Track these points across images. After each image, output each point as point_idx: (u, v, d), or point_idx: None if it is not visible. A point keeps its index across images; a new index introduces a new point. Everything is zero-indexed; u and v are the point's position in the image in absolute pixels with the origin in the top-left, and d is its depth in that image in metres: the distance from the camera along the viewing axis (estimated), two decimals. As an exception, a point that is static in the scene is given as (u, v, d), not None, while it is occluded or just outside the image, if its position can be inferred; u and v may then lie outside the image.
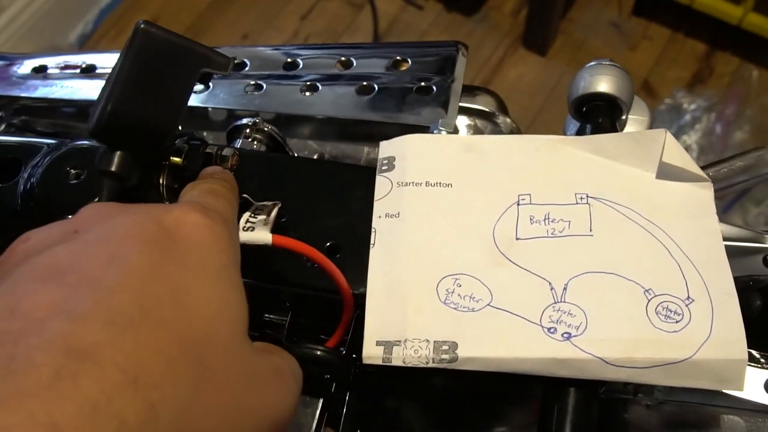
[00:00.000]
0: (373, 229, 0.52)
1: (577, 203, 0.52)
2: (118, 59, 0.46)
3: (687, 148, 1.79)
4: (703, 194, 0.52)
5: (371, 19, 2.08)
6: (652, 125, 0.64)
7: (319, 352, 0.50)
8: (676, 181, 0.53)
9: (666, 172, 0.53)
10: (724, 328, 0.46)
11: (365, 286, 0.50)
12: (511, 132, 0.66)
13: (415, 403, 0.64)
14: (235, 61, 0.69)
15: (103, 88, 0.46)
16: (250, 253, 0.51)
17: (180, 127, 0.60)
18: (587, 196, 0.52)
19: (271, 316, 0.56)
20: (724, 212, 1.74)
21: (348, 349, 0.53)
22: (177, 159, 0.50)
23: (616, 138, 0.54)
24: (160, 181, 0.51)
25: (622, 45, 2.05)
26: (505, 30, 2.09)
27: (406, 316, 0.48)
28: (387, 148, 0.56)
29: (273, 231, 0.49)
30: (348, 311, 0.51)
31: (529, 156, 0.54)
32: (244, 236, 0.47)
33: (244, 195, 0.51)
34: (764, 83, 1.91)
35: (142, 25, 0.45)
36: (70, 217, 0.37)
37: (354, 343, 0.54)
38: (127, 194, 0.50)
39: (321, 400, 0.54)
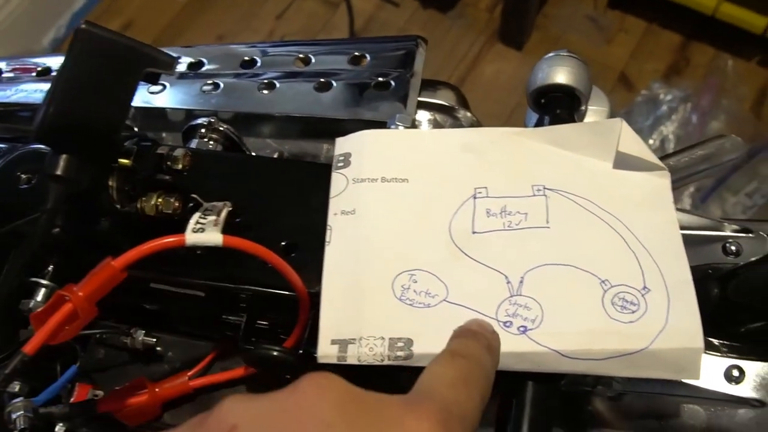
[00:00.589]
0: (328, 227, 0.51)
1: (534, 195, 0.51)
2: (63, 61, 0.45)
3: (664, 139, 1.80)
4: (661, 183, 0.52)
5: (347, 17, 2.08)
6: (612, 115, 0.63)
7: (275, 353, 0.50)
8: (633, 170, 0.52)
9: (623, 162, 0.52)
10: (680, 318, 0.45)
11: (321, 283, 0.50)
12: (472, 126, 0.65)
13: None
14: (192, 60, 0.68)
15: (48, 91, 0.46)
16: (203, 254, 0.51)
17: (135, 129, 0.60)
18: (544, 188, 0.52)
19: (231, 318, 0.56)
20: (702, 202, 1.74)
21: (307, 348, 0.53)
22: (125, 161, 0.50)
23: (573, 128, 0.54)
24: (110, 184, 0.50)
25: (598, 38, 2.04)
26: (482, 26, 2.09)
27: (361, 313, 0.47)
28: (343, 144, 0.55)
29: (226, 231, 0.48)
30: (304, 310, 0.51)
31: (486, 149, 0.54)
32: (194, 238, 0.46)
33: (193, 195, 0.50)
34: (739, 73, 1.91)
35: (83, 26, 0.44)
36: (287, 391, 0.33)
37: (313, 342, 0.53)
38: (79, 198, 0.50)
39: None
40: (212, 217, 0.47)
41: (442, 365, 0.39)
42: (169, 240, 0.46)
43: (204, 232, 0.46)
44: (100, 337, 0.57)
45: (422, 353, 0.46)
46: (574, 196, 0.51)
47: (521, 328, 0.46)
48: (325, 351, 0.46)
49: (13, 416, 0.50)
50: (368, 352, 0.46)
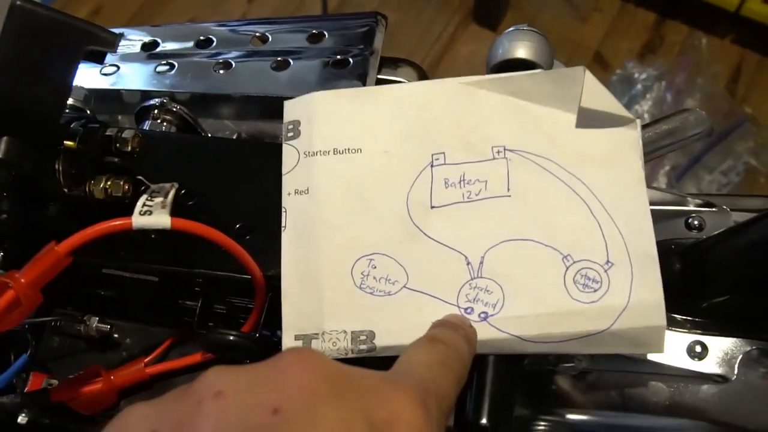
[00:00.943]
0: (283, 209, 0.49)
1: (494, 158, 0.49)
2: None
3: (639, 118, 1.77)
4: (629, 135, 0.49)
5: (320, 0, 2.05)
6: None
7: (231, 337, 0.49)
8: (599, 127, 0.49)
9: (587, 117, 0.49)
10: (642, 294, 0.44)
11: (279, 268, 0.49)
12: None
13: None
14: (146, 40, 0.66)
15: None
16: (157, 238, 0.49)
17: (88, 111, 0.58)
18: (504, 149, 0.49)
19: (188, 302, 0.55)
20: (677, 181, 1.74)
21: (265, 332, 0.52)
22: (71, 143, 0.48)
23: (533, 77, 0.51)
24: (57, 167, 0.49)
25: (573, 18, 2.03)
26: (456, 6, 2.07)
27: (322, 305, 0.46)
28: (291, 109, 0.52)
29: (178, 214, 0.47)
30: (260, 294, 0.49)
31: (443, 106, 0.51)
32: (141, 221, 0.45)
33: (139, 177, 0.49)
34: (714, 51, 1.90)
35: (18, 2, 0.42)
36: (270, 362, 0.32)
37: (272, 325, 0.52)
38: (25, 182, 0.48)
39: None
40: (159, 199, 0.46)
41: (421, 347, 0.39)
42: (116, 223, 0.44)
43: (152, 214, 0.45)
44: (54, 325, 0.55)
45: (385, 346, 0.45)
46: (535, 157, 0.49)
47: (482, 315, 0.45)
48: (290, 346, 0.45)
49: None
50: (332, 347, 0.45)
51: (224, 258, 0.48)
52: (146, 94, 0.63)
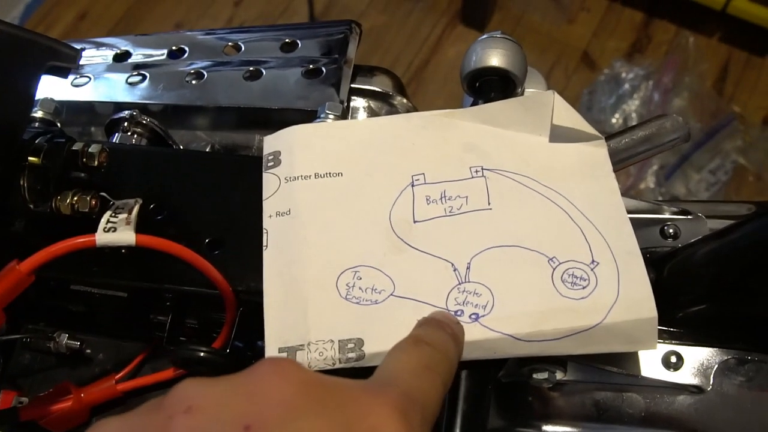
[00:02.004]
0: (264, 230, 0.49)
1: (472, 177, 0.50)
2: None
3: (627, 118, 1.79)
4: (598, 152, 0.51)
5: (307, 2, 2.05)
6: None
7: (201, 353, 0.48)
8: (570, 142, 0.51)
9: (558, 134, 0.51)
10: (631, 288, 0.45)
11: (251, 283, 0.48)
12: (408, 112, 0.64)
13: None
14: (118, 51, 0.66)
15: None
16: (126, 253, 0.49)
17: (58, 124, 0.58)
18: (482, 169, 0.50)
19: (159, 317, 0.54)
20: (666, 179, 1.74)
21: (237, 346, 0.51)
22: (35, 159, 0.47)
23: (504, 105, 0.53)
24: (21, 183, 0.48)
25: (560, 18, 2.03)
26: (443, 8, 2.07)
27: (306, 317, 0.46)
28: (271, 142, 0.53)
29: (146, 229, 0.46)
30: (230, 309, 0.49)
31: (418, 134, 0.52)
32: (105, 238, 0.44)
33: (102, 193, 0.48)
34: (701, 50, 1.90)
35: (-25, 18, 0.41)
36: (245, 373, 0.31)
37: (247, 340, 0.52)
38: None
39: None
40: (124, 215, 0.45)
41: (404, 351, 0.38)
42: (79, 241, 0.44)
43: (116, 231, 0.45)
44: (24, 341, 0.55)
45: (374, 352, 0.44)
46: (512, 174, 0.50)
47: (473, 316, 0.45)
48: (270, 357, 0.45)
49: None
50: (318, 357, 0.44)
51: (194, 273, 0.47)
52: (118, 106, 0.63)
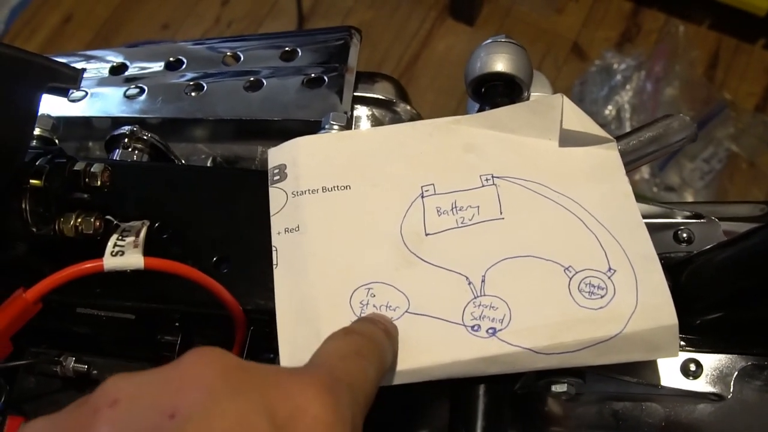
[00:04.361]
0: (273, 248, 0.48)
1: (483, 186, 0.49)
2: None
3: (620, 109, 1.78)
4: (609, 155, 0.50)
5: (294, 0, 2.03)
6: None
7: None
8: (580, 146, 0.50)
9: (568, 138, 0.50)
10: (649, 295, 0.44)
11: (261, 301, 0.47)
12: (412, 119, 0.63)
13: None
14: (114, 64, 0.64)
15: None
16: (130, 274, 0.48)
17: (56, 141, 0.56)
18: (492, 177, 0.50)
19: (166, 337, 0.53)
20: (660, 170, 1.74)
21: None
22: (37, 181, 0.46)
23: (512, 110, 0.52)
24: (23, 207, 0.47)
25: (548, 9, 2.02)
26: (431, 2, 2.05)
27: (320, 336, 0.45)
28: (275, 155, 0.52)
29: (151, 248, 0.45)
30: (240, 328, 0.48)
31: (425, 143, 0.51)
32: (113, 262, 0.43)
33: (108, 216, 0.47)
34: (690, 38, 1.90)
35: (-27, 41, 0.40)
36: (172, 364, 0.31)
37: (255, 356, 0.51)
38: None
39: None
40: (131, 238, 0.44)
41: (334, 339, 0.38)
42: (86, 266, 0.43)
43: (124, 255, 0.44)
44: (29, 365, 0.53)
45: (393, 371, 0.43)
46: (523, 181, 0.49)
47: (490, 330, 0.44)
48: None
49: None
50: None
51: (202, 293, 0.46)
52: (116, 120, 0.62)
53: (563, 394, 0.46)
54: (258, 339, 0.50)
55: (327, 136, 0.52)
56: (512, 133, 0.51)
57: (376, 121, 0.62)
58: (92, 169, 0.48)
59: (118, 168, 0.51)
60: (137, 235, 0.45)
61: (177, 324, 0.51)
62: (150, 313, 0.49)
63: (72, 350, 0.54)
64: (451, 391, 0.46)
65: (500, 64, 0.55)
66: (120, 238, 0.45)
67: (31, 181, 0.46)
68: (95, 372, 0.54)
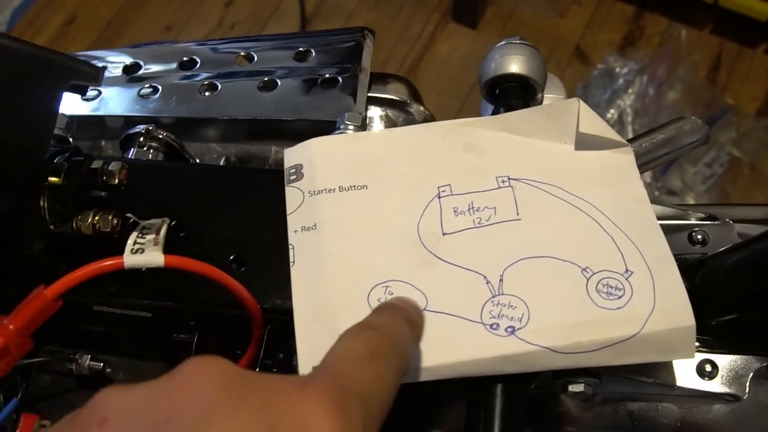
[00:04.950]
0: (290, 246, 0.48)
1: (499, 187, 0.50)
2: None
3: (622, 113, 1.79)
4: (625, 159, 0.51)
5: (298, 2, 2.03)
6: (570, 92, 0.62)
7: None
8: (595, 150, 0.51)
9: (583, 142, 0.51)
10: (666, 297, 0.44)
11: (278, 300, 0.47)
12: (425, 120, 0.63)
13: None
14: (127, 63, 0.64)
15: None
16: (147, 272, 0.48)
17: (70, 139, 0.57)
18: (509, 179, 0.50)
19: (182, 336, 0.53)
20: (662, 174, 1.74)
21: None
22: (55, 179, 0.46)
23: (527, 114, 0.52)
24: (42, 204, 0.47)
25: (551, 12, 2.02)
26: (434, 5, 2.05)
27: (338, 334, 0.45)
28: (292, 155, 0.52)
29: (169, 247, 0.45)
30: (258, 327, 0.48)
31: (439, 144, 0.52)
32: (133, 260, 0.43)
33: (128, 215, 0.47)
34: (693, 42, 1.90)
35: (-3, 39, 0.40)
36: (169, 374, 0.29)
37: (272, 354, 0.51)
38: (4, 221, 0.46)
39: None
40: (151, 236, 0.45)
41: (347, 339, 0.35)
42: (106, 264, 0.43)
43: (144, 252, 0.44)
44: (43, 363, 0.53)
45: (415, 367, 0.43)
46: (540, 184, 0.50)
47: (509, 329, 0.44)
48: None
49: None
50: None
51: (219, 292, 0.46)
52: (129, 120, 0.62)
53: (580, 394, 0.46)
54: (273, 338, 0.50)
55: (343, 137, 0.53)
56: (527, 136, 0.52)
57: (390, 122, 0.62)
58: (110, 168, 0.48)
59: (135, 166, 0.51)
60: (158, 233, 0.45)
61: (193, 323, 0.51)
62: (166, 311, 0.49)
63: (85, 349, 0.54)
64: (468, 391, 0.46)
65: (515, 65, 0.55)
66: (140, 235, 0.45)
67: (49, 178, 0.46)
68: (109, 370, 0.54)
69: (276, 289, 0.48)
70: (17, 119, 0.42)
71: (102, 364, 0.52)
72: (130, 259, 0.43)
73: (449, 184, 0.50)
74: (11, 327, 0.40)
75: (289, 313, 0.46)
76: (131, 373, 0.54)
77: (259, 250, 0.50)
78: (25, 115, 0.42)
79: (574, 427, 0.53)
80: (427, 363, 0.43)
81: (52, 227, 0.48)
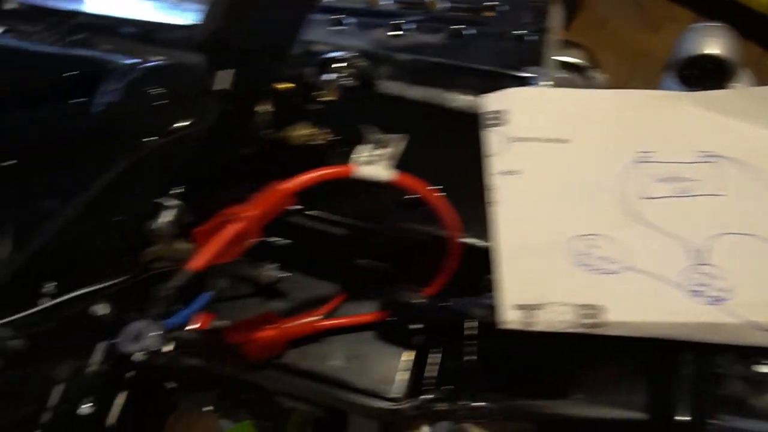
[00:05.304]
0: (492, 187, 0.50)
1: (704, 161, 0.50)
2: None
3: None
4: None
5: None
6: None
7: (414, 300, 0.48)
8: None
9: None
10: None
11: (473, 236, 0.48)
12: (603, 87, 0.64)
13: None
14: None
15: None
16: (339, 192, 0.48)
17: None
18: (712, 154, 0.50)
19: (364, 260, 0.54)
20: None
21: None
22: (289, 84, 0.48)
23: (733, 94, 0.53)
24: (266, 108, 0.48)
25: (644, 25, 2.01)
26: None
27: (542, 278, 0.46)
28: (493, 101, 0.53)
29: None
30: (453, 259, 0.49)
31: (643, 111, 0.52)
32: (363, 170, 0.44)
33: (362, 126, 0.48)
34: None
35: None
36: None
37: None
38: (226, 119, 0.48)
39: (413, 353, 0.51)
40: (386, 150, 0.45)
41: None
42: (337, 170, 0.44)
43: (375, 165, 0.45)
44: (223, 267, 0.55)
45: (615, 321, 0.44)
46: (747, 165, 0.50)
47: (714, 299, 0.44)
48: (510, 317, 0.45)
49: (145, 338, 0.47)
50: (558, 318, 0.44)
51: (409, 218, 0.47)
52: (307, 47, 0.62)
53: (753, 375, 0.46)
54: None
55: (546, 90, 0.54)
56: (731, 117, 0.52)
57: (571, 85, 0.63)
58: (326, 82, 0.50)
59: (344, 89, 0.52)
60: (394, 148, 0.46)
61: (377, 249, 0.52)
62: (362, 232, 0.50)
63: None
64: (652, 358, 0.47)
65: (713, 46, 0.56)
66: (374, 148, 0.46)
67: (283, 84, 0.47)
68: (285, 285, 0.55)
69: (471, 226, 0.49)
70: (273, 17, 0.43)
71: (282, 275, 0.54)
72: (360, 170, 0.44)
73: (650, 151, 0.51)
74: (252, 213, 0.41)
75: (482, 249, 0.47)
76: (304, 289, 0.55)
77: (455, 185, 0.50)
78: (280, 14, 0.44)
79: (738, 412, 0.53)
80: (634, 319, 0.44)
81: (265, 132, 0.49)
